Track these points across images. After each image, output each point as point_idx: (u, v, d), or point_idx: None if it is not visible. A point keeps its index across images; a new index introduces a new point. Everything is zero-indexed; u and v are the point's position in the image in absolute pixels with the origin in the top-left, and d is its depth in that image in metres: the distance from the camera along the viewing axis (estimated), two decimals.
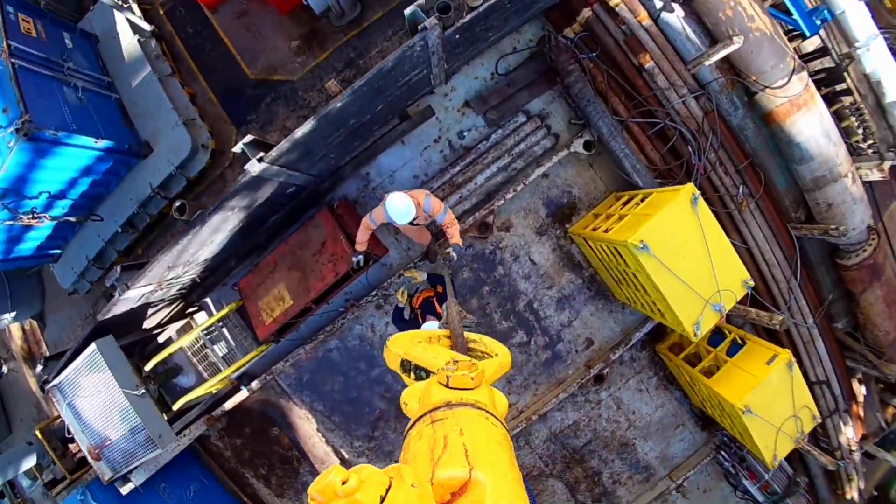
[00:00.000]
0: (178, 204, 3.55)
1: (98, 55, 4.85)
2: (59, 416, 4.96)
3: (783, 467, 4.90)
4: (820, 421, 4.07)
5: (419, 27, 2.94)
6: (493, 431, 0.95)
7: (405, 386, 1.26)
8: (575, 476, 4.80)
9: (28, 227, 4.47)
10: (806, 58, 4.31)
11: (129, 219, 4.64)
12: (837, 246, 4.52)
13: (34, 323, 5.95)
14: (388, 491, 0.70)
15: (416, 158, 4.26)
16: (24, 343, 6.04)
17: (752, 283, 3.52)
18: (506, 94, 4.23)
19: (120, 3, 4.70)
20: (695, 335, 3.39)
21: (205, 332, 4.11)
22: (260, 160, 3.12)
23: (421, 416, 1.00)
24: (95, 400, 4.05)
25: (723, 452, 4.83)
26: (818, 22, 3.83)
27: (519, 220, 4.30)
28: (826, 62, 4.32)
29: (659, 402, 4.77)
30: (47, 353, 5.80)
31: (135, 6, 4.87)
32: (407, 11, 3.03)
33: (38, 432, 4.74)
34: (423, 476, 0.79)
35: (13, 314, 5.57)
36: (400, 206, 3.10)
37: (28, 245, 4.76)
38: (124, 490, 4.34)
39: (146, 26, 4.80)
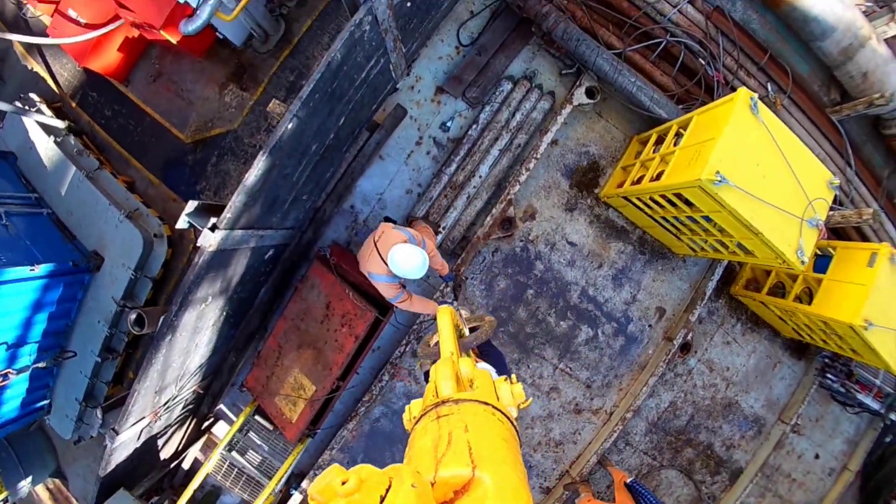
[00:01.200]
0: (133, 317, 2.61)
1: (18, 173, 3.84)
2: None
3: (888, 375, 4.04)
4: None
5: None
6: (498, 428, 0.88)
7: None
8: (687, 458, 3.90)
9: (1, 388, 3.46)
10: None
11: (104, 344, 3.64)
12: (880, 117, 3.67)
13: (56, 481, 4.92)
14: (388, 491, 0.64)
15: (401, 171, 3.33)
16: None
17: (837, 181, 2.64)
18: (480, 65, 3.31)
19: (25, 107, 3.71)
20: (802, 263, 2.49)
21: (227, 448, 3.14)
22: (213, 228, 2.17)
23: (427, 411, 0.93)
24: None
25: (829, 374, 3.95)
26: None
27: (541, 202, 3.39)
28: None
29: (750, 349, 3.88)
30: None
31: (43, 107, 3.89)
32: None
33: None
34: (426, 474, 0.72)
35: (29, 479, 4.56)
36: (407, 264, 2.24)
37: (9, 406, 3.75)
38: None
39: (60, 123, 3.83)
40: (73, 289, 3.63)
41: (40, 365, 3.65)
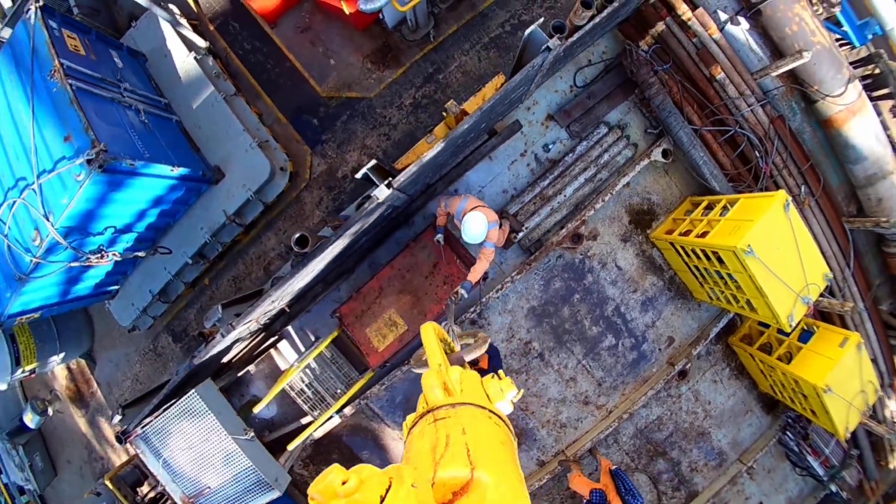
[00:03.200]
0: (297, 235, 3.55)
1: (149, 75, 4.73)
2: (126, 463, 4.86)
3: (839, 443, 5.54)
4: (881, 394, 4.69)
5: (543, 48, 3.17)
6: (495, 431, 0.99)
7: None
8: (658, 469, 5.25)
9: (86, 267, 4.35)
10: (854, 64, 4.88)
11: (199, 250, 4.59)
12: (884, 236, 5.16)
13: (81, 362, 5.71)
14: (388, 491, 0.71)
15: (503, 173, 4.51)
16: (71, 383, 5.80)
17: (831, 275, 4.03)
18: (586, 107, 4.55)
19: (174, 16, 4.61)
20: (790, 326, 3.86)
21: (303, 366, 4.17)
22: (389, 186, 3.26)
23: (423, 415, 1.04)
24: (190, 447, 4.02)
25: (788, 432, 5.41)
26: (869, 35, 4.38)
27: (605, 228, 4.65)
28: (870, 68, 4.91)
29: (731, 392, 5.29)
30: (98, 392, 5.61)
31: (184, 21, 4.78)
32: (528, 31, 3.24)
33: (108, 482, 4.63)
34: (425, 475, 0.80)
35: (62, 355, 5.35)
36: (475, 230, 3.31)
37: (86, 284, 4.63)
38: None
39: (201, 42, 4.74)
40: (190, 194, 4.54)
41: (139, 254, 4.55)
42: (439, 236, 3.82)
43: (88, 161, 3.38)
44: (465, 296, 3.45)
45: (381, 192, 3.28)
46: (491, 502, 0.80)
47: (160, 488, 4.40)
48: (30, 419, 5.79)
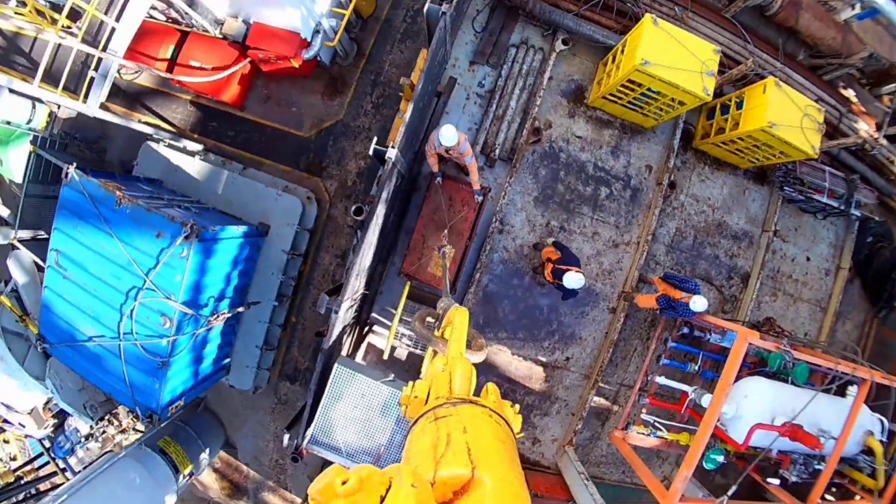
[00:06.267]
0: (355, 207, 5.73)
1: (171, 189, 7.09)
2: None
3: (834, 174, 7.70)
4: (824, 111, 6.89)
5: (439, 14, 5.60)
6: (496, 430, 1.17)
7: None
8: (703, 269, 7.39)
9: (204, 343, 6.52)
10: None
11: (278, 291, 6.80)
12: (761, 5, 7.57)
13: (223, 455, 7.69)
14: (388, 491, 0.83)
15: (461, 118, 6.87)
16: (224, 481, 7.75)
17: (719, 48, 6.40)
18: (492, 42, 7.00)
19: (167, 142, 7.02)
20: (706, 94, 6.12)
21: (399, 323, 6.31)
22: (392, 147, 5.58)
23: (424, 413, 1.27)
24: (352, 420, 6.06)
25: (786, 188, 7.62)
26: None
27: (553, 116, 7.00)
28: None
29: (721, 182, 7.52)
30: (249, 472, 7.59)
31: (187, 141, 7.20)
32: (425, 10, 5.60)
33: None
34: (425, 474, 0.94)
35: (207, 450, 7.36)
36: (447, 133, 5.29)
37: (207, 362, 6.74)
38: None
39: (198, 146, 7.13)
40: (254, 250, 6.75)
41: (240, 309, 6.70)
42: (438, 179, 6.06)
43: (186, 237, 5.59)
44: (449, 253, 5.34)
45: (391, 153, 5.60)
46: (492, 502, 0.93)
47: None
48: None
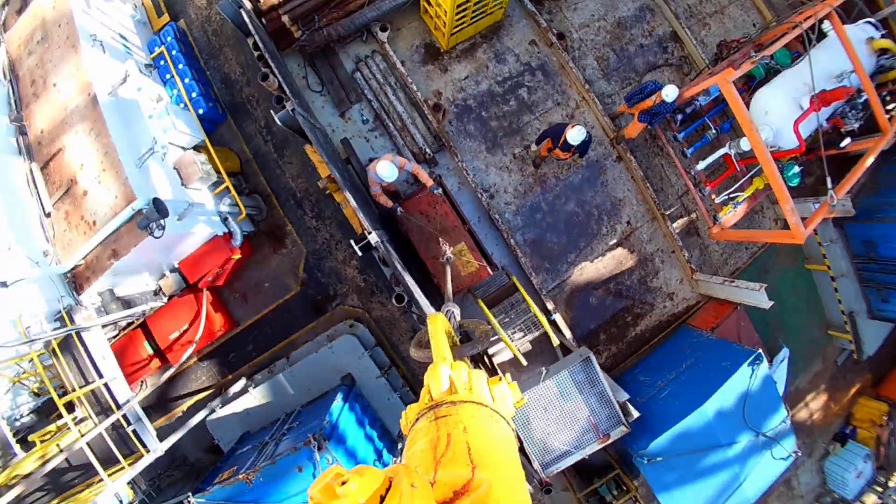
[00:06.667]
0: (395, 296, 6.06)
1: (261, 430, 7.40)
2: None
3: None
4: None
5: (290, 112, 5.78)
6: (497, 430, 1.19)
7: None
8: (642, 62, 7.70)
9: None
10: None
11: (404, 403, 7.15)
12: None
13: None
14: (388, 491, 0.84)
15: (379, 153, 7.11)
16: None
17: None
18: (338, 84, 7.16)
19: (220, 404, 7.29)
20: None
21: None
22: (368, 232, 5.82)
23: (424, 413, 1.28)
24: (553, 422, 6.48)
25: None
26: None
27: (434, 84, 7.21)
28: None
29: None
30: None
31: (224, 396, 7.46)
32: (279, 117, 5.80)
33: None
34: (426, 474, 0.96)
35: None
36: (386, 171, 5.49)
37: None
38: None
39: (241, 383, 7.40)
40: (360, 400, 7.10)
41: (400, 446, 7.08)
42: (398, 210, 6.00)
43: (319, 449, 5.90)
44: (451, 257, 5.38)
45: (373, 238, 5.85)
46: (492, 503, 0.94)
47: None
48: None
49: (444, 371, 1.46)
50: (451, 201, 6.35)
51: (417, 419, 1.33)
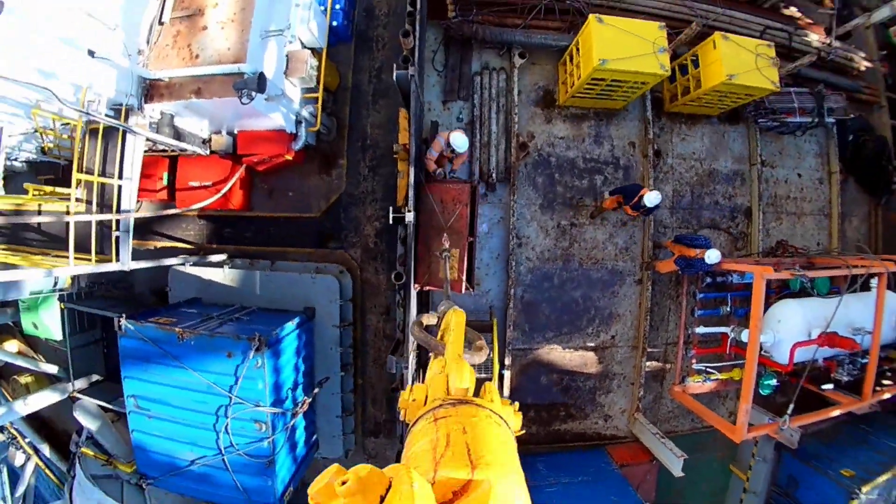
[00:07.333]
0: (395, 273, 6.51)
1: (213, 304, 7.89)
2: None
3: (800, 91, 8.50)
4: (773, 45, 7.68)
5: (409, 77, 6.33)
6: (496, 431, 1.23)
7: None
8: (708, 218, 8.29)
9: (294, 430, 7.39)
10: None
11: (341, 362, 7.65)
12: None
13: None
14: (388, 491, 0.86)
15: None
16: None
17: (663, 24, 7.17)
18: (457, 76, 7.75)
19: (189, 260, 7.79)
20: (664, 71, 6.79)
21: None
22: (408, 210, 6.35)
23: (423, 414, 1.33)
24: None
25: (759, 120, 8.47)
26: None
27: (533, 126, 7.75)
28: None
29: (699, 134, 8.30)
30: None
31: (196, 258, 7.96)
32: (394, 77, 6.31)
33: None
34: (425, 474, 0.98)
35: None
36: (461, 141, 6.02)
37: (300, 445, 7.60)
38: None
39: (222, 256, 7.88)
40: (309, 335, 7.53)
41: (315, 391, 7.56)
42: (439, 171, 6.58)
43: (257, 349, 6.42)
44: (449, 253, 5.76)
45: (409, 217, 6.36)
46: (492, 503, 0.96)
47: None
48: None
49: (467, 371, 1.59)
50: (472, 210, 6.57)
51: (417, 419, 1.36)
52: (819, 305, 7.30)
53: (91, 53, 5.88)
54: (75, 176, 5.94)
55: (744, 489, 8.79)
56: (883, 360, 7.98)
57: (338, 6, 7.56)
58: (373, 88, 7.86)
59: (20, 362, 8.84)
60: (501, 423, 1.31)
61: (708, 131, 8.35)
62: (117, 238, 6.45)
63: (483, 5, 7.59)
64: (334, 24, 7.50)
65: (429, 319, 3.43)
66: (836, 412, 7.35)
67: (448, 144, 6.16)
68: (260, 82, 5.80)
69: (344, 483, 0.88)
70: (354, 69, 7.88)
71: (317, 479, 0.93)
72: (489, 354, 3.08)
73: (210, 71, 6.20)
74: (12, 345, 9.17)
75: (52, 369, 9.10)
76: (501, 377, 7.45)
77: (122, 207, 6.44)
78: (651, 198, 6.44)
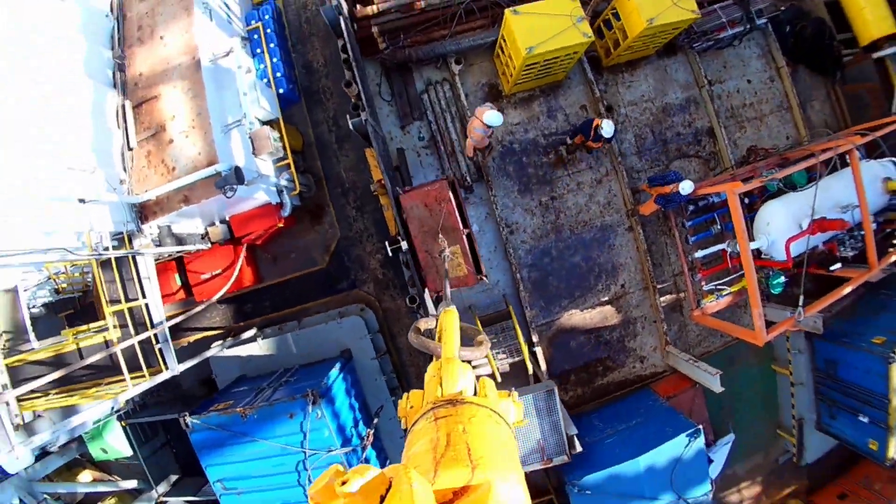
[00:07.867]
0: (409, 297, 7.27)
1: (258, 376, 8.69)
2: None
3: (724, 5, 8.93)
4: None
5: (363, 121, 6.98)
6: (496, 431, 1.25)
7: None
8: (675, 148, 8.83)
9: (367, 461, 8.18)
10: None
11: (388, 388, 8.42)
12: None
13: None
14: (388, 490, 0.88)
15: (425, 172, 8.31)
16: None
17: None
18: (406, 101, 8.38)
19: (226, 343, 8.57)
20: (587, 38, 7.31)
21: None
22: (401, 238, 7.05)
23: (424, 413, 1.36)
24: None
25: (694, 45, 8.96)
26: None
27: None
28: None
29: (643, 76, 8.84)
30: None
31: (230, 341, 8.74)
32: (350, 125, 6.96)
33: None
34: (426, 474, 1.00)
35: None
36: (496, 118, 6.55)
37: None
38: None
39: (251, 331, 8.68)
40: (353, 374, 8.33)
41: (374, 422, 8.35)
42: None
43: (313, 402, 7.19)
44: (449, 256, 6.42)
45: (405, 245, 7.05)
46: (492, 503, 0.98)
47: None
48: None
49: (460, 372, 1.65)
50: (458, 203, 6.71)
51: (417, 419, 1.40)
52: (801, 197, 7.80)
53: (82, 201, 6.59)
54: (106, 310, 6.67)
55: (791, 383, 9.39)
56: (884, 223, 8.48)
57: (279, 73, 8.20)
58: (335, 136, 8.53)
59: (100, 488, 9.35)
60: (501, 422, 1.37)
61: (650, 71, 8.87)
62: (160, 349, 7.21)
63: (408, 28, 8.17)
64: (281, 91, 8.14)
65: (427, 324, 3.45)
66: (849, 288, 7.83)
67: (492, 123, 6.64)
68: (238, 175, 6.49)
69: (344, 483, 0.92)
70: (312, 124, 8.54)
71: (317, 479, 0.96)
72: (490, 348, 3.12)
73: (190, 179, 6.89)
74: (86, 475, 9.64)
75: (132, 484, 9.75)
76: (534, 354, 8.13)
77: (155, 321, 7.20)
78: (606, 129, 7.08)
